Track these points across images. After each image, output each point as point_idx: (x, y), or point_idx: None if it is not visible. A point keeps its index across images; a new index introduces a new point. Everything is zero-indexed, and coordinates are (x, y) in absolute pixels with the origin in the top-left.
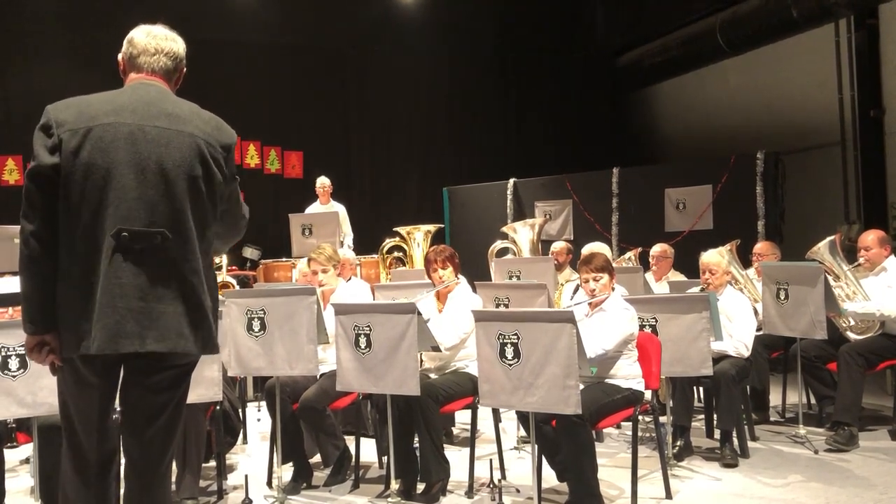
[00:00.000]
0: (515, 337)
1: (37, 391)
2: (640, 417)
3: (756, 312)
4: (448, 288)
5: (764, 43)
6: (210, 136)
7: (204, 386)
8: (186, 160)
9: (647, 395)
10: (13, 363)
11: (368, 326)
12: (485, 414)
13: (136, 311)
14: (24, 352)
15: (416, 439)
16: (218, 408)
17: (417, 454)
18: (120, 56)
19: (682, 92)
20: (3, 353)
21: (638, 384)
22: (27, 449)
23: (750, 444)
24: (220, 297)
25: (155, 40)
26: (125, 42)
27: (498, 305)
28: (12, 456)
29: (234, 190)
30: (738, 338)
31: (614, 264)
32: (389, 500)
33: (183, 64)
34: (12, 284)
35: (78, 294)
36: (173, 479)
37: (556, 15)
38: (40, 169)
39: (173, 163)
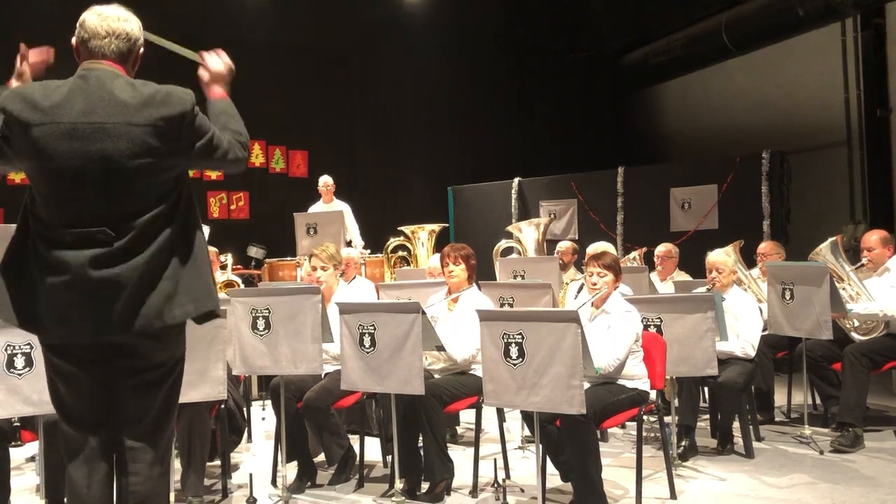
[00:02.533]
0: (520, 336)
1: (42, 390)
2: (644, 417)
3: (760, 312)
4: (458, 287)
5: (769, 42)
6: (153, 117)
7: (208, 384)
8: (125, 153)
9: (652, 394)
10: (19, 361)
11: (373, 325)
12: (489, 413)
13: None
14: (29, 350)
15: (421, 439)
16: (223, 406)
17: (422, 453)
18: (73, 40)
19: (687, 91)
20: (9, 352)
21: (643, 384)
22: (32, 447)
23: (755, 444)
24: (224, 295)
25: (105, 22)
26: (77, 25)
27: (502, 305)
28: (17, 454)
29: (202, 148)
30: (744, 338)
31: (620, 264)
32: (393, 499)
33: (139, 45)
34: None
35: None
36: (177, 477)
37: (560, 14)
38: None
39: (109, 158)
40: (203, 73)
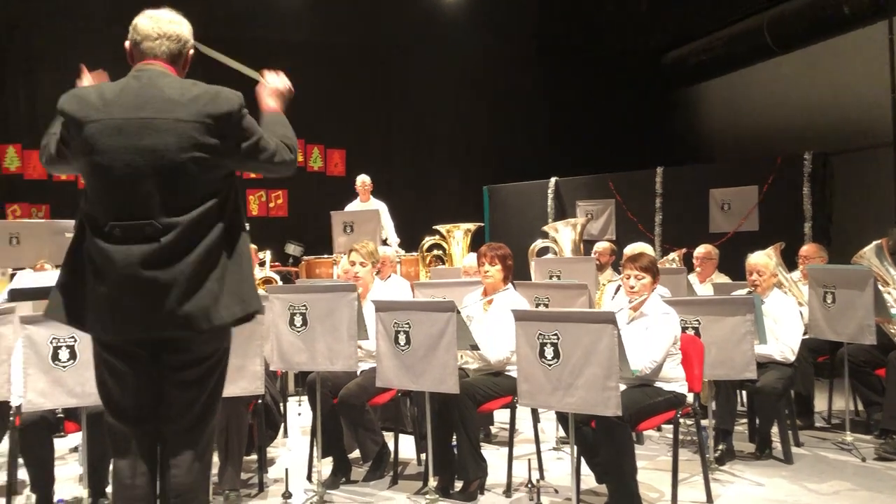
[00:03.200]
0: (556, 337)
1: (85, 381)
2: (681, 420)
3: (801, 316)
4: (494, 287)
5: (813, 41)
6: (201, 114)
7: (246, 380)
8: (172, 148)
9: (690, 397)
10: (63, 354)
11: (408, 324)
12: (523, 414)
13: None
14: (73, 343)
15: (455, 437)
16: (260, 401)
17: (455, 452)
18: (127, 43)
19: (728, 91)
20: (54, 345)
21: (680, 387)
22: (76, 438)
23: (794, 450)
24: (262, 292)
25: (157, 24)
26: (130, 28)
27: (538, 305)
28: (61, 444)
29: (250, 149)
30: (784, 341)
31: (658, 265)
32: (427, 497)
33: (188, 47)
34: None
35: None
36: (215, 470)
37: (601, 12)
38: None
39: (158, 152)
40: (261, 89)
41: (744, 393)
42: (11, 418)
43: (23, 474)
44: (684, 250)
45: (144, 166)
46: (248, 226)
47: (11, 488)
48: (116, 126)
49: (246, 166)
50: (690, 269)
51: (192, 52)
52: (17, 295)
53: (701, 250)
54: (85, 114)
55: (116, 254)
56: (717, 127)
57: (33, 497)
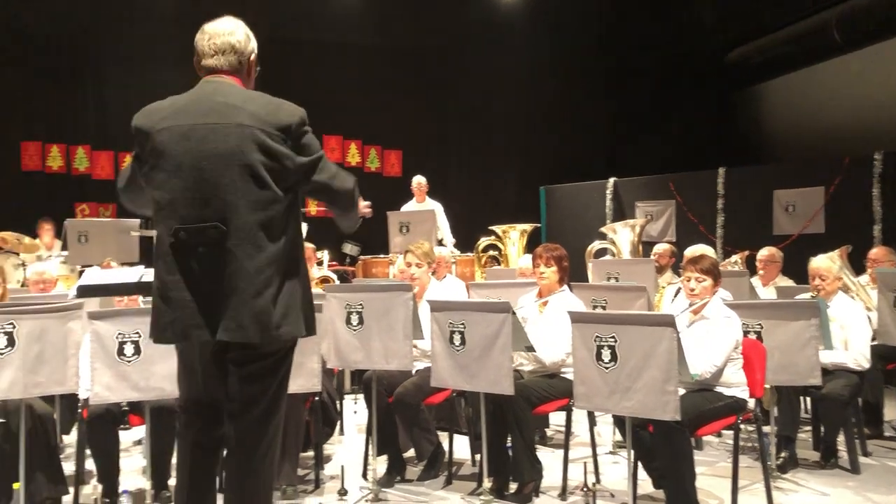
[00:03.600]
0: (613, 340)
1: (149, 376)
2: (742, 426)
3: (869, 321)
4: (549, 289)
5: (883, 38)
6: (264, 122)
7: (304, 377)
8: (236, 152)
9: (751, 403)
10: (128, 349)
11: (463, 324)
12: (579, 416)
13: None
14: (138, 338)
15: (509, 439)
16: (317, 399)
17: (510, 453)
18: (194, 60)
19: (793, 89)
20: (119, 340)
21: (741, 392)
22: (140, 431)
23: (861, 459)
24: (320, 290)
25: (211, 41)
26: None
27: (595, 307)
28: (125, 437)
29: (310, 164)
30: (856, 349)
31: (720, 268)
32: (481, 497)
33: (246, 54)
34: (130, 274)
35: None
36: None
37: (662, 11)
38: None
39: (222, 156)
40: None
41: (808, 399)
42: (79, 411)
43: (90, 465)
44: (747, 253)
45: (209, 169)
46: (304, 224)
47: (79, 478)
48: (183, 132)
49: (303, 182)
50: (753, 271)
51: (253, 56)
52: (85, 291)
53: (764, 253)
54: (153, 123)
55: (181, 258)
56: (782, 126)
57: (100, 487)
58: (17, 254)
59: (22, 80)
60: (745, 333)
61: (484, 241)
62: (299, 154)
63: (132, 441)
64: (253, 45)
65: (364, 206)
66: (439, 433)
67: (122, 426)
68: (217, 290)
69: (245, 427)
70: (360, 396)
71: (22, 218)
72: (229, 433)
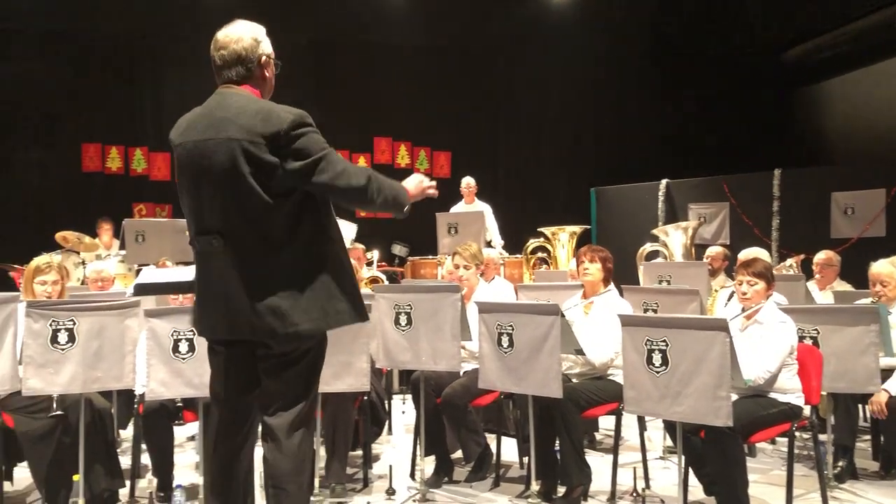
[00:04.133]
0: (664, 344)
1: (203, 373)
2: (797, 434)
3: None
4: (593, 287)
5: None
6: (252, 133)
7: (353, 376)
8: (227, 166)
9: (806, 410)
10: (183, 346)
11: (511, 326)
12: (629, 421)
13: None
14: (192, 336)
15: (557, 442)
16: (365, 398)
17: (558, 457)
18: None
19: (853, 89)
20: (175, 337)
21: (796, 398)
22: (193, 427)
23: None
24: (369, 291)
25: (218, 52)
26: None
27: (646, 310)
28: (179, 433)
29: (305, 168)
30: None
31: (773, 271)
32: (529, 500)
33: (254, 60)
34: (184, 273)
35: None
36: (322, 464)
37: (716, 9)
38: None
39: (216, 170)
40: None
41: (866, 407)
42: (135, 406)
43: (145, 459)
44: (803, 256)
45: (206, 184)
46: (353, 224)
47: (135, 472)
48: (189, 150)
49: (311, 186)
50: (809, 275)
51: (264, 58)
52: (141, 290)
53: (821, 256)
54: (174, 138)
55: (200, 263)
56: (841, 126)
57: (155, 481)
58: (78, 252)
59: (83, 84)
60: (801, 339)
61: (533, 243)
62: (294, 158)
63: (186, 437)
64: (263, 48)
65: (424, 186)
66: (487, 435)
67: (176, 422)
68: (227, 293)
69: (271, 419)
70: (409, 397)
71: (82, 218)
72: (262, 428)
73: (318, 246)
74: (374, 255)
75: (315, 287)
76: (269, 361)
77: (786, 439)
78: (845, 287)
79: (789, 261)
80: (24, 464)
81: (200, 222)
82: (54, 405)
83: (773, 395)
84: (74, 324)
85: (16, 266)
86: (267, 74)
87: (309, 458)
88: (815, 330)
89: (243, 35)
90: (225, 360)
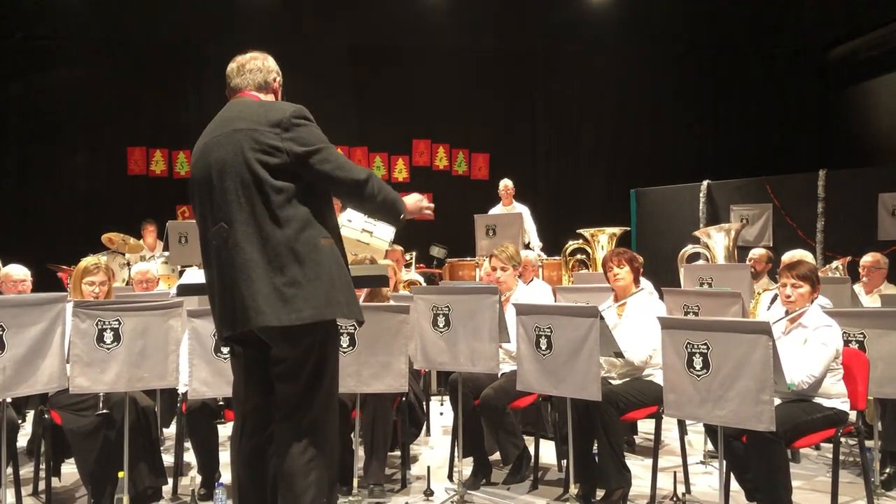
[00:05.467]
0: (705, 347)
1: None
2: (842, 440)
3: None
4: (625, 290)
5: None
6: (256, 122)
7: (391, 377)
8: (236, 155)
9: (852, 416)
10: (224, 347)
11: (549, 328)
12: (669, 424)
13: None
14: None
15: (596, 445)
16: (404, 399)
17: (597, 460)
18: (227, 92)
19: None
20: (216, 337)
21: (842, 403)
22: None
23: None
24: (407, 292)
25: (239, 63)
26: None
27: (687, 313)
28: (222, 431)
29: (305, 155)
30: None
31: (819, 274)
32: (568, 503)
33: (273, 76)
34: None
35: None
36: (360, 465)
37: (760, 6)
38: None
39: (226, 161)
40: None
41: None
42: (179, 405)
43: (188, 457)
44: (849, 259)
45: (213, 177)
46: (391, 227)
47: (178, 469)
48: (200, 147)
49: (313, 174)
50: (855, 278)
51: (277, 82)
52: (184, 290)
53: (868, 259)
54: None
55: (210, 257)
56: (888, 127)
57: (198, 479)
58: (123, 254)
59: (128, 88)
60: (847, 343)
61: (571, 245)
62: (297, 143)
63: (226, 436)
64: (274, 68)
65: (423, 205)
66: (525, 437)
67: (218, 420)
68: (234, 282)
69: (281, 421)
70: (447, 398)
71: (127, 219)
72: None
73: (321, 237)
74: (413, 256)
75: (319, 276)
76: (278, 366)
77: (830, 445)
78: (893, 290)
79: (834, 263)
80: (72, 460)
81: (208, 213)
82: (100, 403)
83: (817, 400)
84: (120, 324)
85: (63, 266)
86: (275, 88)
87: (320, 460)
88: (862, 333)
89: (258, 55)
90: (245, 363)
